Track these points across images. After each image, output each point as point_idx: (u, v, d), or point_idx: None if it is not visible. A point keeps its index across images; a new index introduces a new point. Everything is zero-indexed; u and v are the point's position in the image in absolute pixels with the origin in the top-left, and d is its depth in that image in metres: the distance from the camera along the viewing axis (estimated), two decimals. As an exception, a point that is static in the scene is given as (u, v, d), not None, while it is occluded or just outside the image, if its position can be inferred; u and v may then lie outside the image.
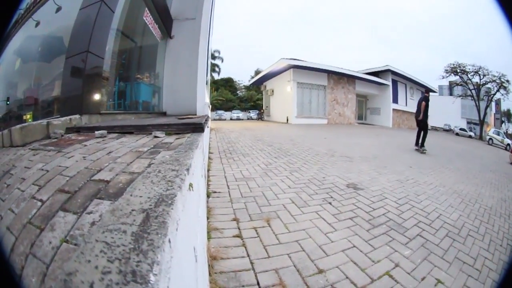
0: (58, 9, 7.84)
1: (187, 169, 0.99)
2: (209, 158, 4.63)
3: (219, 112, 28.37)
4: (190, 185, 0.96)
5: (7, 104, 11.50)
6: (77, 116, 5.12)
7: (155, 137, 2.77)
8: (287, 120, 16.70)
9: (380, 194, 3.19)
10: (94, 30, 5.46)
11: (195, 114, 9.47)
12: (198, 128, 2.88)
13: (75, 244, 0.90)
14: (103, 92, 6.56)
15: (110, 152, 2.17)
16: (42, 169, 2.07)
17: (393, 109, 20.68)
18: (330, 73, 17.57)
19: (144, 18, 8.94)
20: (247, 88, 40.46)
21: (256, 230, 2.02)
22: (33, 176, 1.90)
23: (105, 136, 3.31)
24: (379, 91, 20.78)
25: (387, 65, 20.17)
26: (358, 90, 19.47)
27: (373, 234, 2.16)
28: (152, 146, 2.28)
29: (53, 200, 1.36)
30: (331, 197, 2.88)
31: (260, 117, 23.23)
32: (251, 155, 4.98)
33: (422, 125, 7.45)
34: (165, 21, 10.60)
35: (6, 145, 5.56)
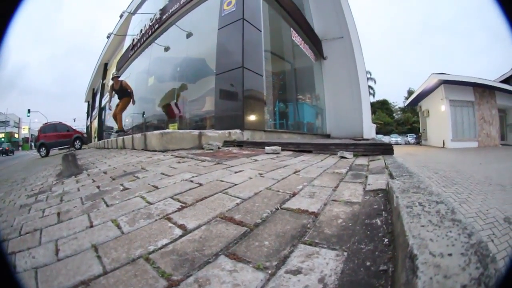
0: (189, 35, 7.97)
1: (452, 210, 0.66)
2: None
3: (378, 136, 27.83)
4: None
5: (142, 116, 11.11)
6: (238, 130, 4.95)
7: (342, 157, 2.42)
8: (443, 144, 15.84)
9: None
10: (245, 46, 5.27)
11: (362, 137, 9.31)
12: (388, 149, 2.56)
13: None
14: (265, 110, 6.42)
15: (297, 172, 1.74)
16: (191, 181, 1.58)
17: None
18: (475, 86, 15.49)
19: (293, 39, 9.07)
20: (402, 110, 39.44)
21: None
22: (173, 188, 1.45)
23: (278, 153, 2.89)
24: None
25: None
26: (498, 104, 16.32)
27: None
28: (348, 167, 1.88)
29: (208, 232, 0.82)
30: (494, 234, 2.91)
31: (418, 142, 22.61)
32: (419, 182, 5.11)
33: None
34: (314, 41, 10.62)
35: (137, 148, 4.63)
